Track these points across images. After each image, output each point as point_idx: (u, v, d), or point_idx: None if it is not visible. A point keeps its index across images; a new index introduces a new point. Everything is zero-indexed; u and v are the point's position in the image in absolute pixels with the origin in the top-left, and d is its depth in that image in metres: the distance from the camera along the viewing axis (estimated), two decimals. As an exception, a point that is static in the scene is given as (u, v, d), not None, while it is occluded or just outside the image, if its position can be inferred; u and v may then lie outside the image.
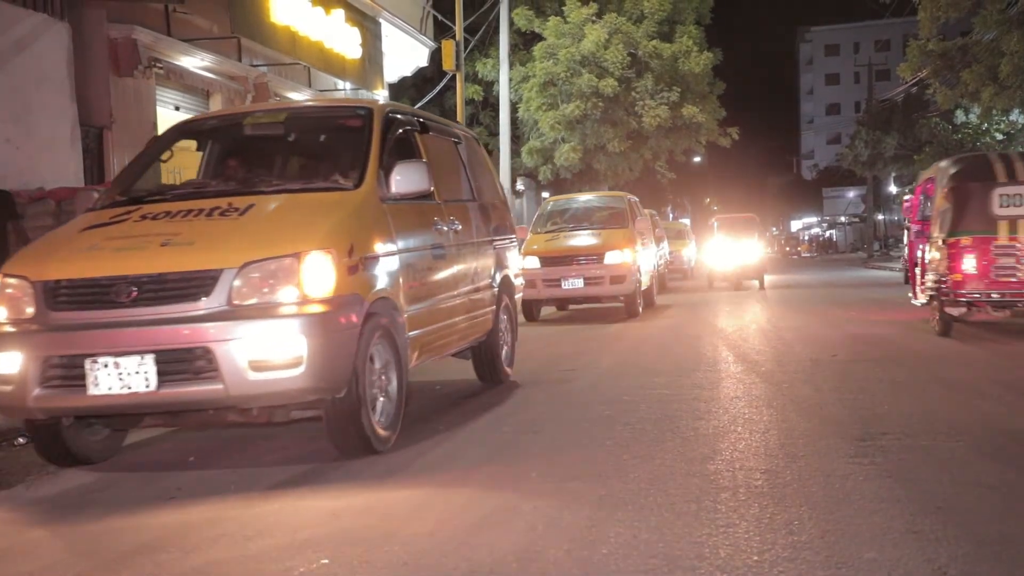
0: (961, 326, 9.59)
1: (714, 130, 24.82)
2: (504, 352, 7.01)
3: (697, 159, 37.73)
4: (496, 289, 6.72)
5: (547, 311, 14.43)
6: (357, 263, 4.47)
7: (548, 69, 22.26)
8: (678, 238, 24.55)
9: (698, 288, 20.15)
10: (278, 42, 14.44)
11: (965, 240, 8.75)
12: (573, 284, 12.51)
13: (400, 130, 5.51)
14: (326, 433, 4.57)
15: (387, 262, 4.84)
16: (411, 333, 5.05)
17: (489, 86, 24.27)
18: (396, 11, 19.38)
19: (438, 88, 22.29)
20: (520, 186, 26.16)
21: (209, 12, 12.76)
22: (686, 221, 39.30)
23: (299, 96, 16.61)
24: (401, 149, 5.40)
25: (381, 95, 21.31)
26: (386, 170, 5.06)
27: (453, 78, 19.86)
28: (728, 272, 19.50)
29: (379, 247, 4.77)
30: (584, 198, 15.75)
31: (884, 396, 5.92)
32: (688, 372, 7.25)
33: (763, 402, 5.84)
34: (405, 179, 5.04)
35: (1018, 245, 8.59)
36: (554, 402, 6.19)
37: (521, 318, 12.81)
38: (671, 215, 39.53)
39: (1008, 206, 8.65)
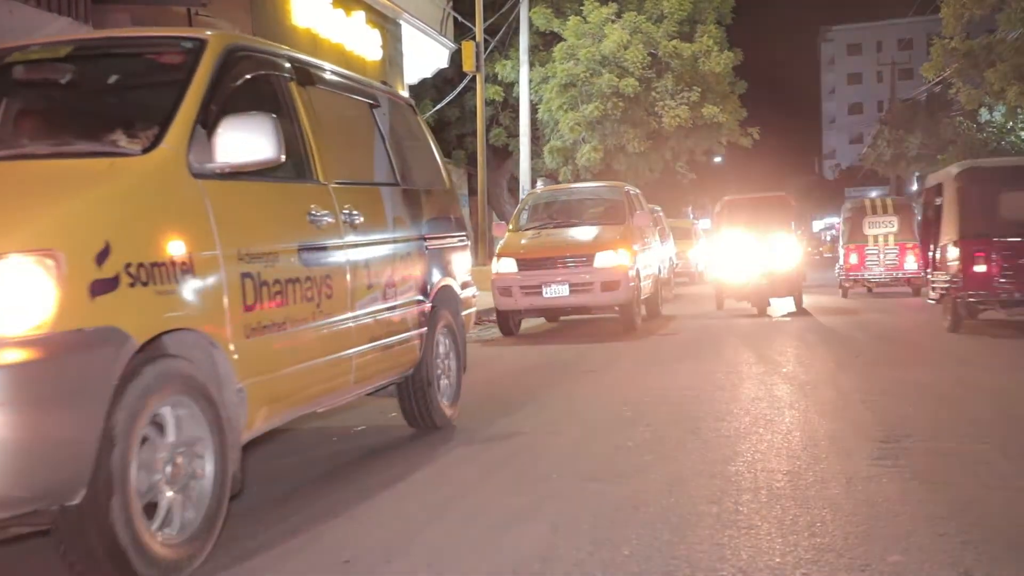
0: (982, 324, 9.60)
1: (735, 130, 24.69)
2: (443, 388, 5.32)
3: (718, 159, 37.51)
4: (430, 305, 5.04)
5: (533, 323, 12.44)
6: (117, 274, 2.76)
7: (568, 70, 22.24)
8: (684, 237, 22.15)
9: (705, 298, 15.51)
10: (299, 44, 14.51)
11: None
12: (556, 292, 10.33)
13: (251, 75, 3.79)
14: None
15: (196, 271, 3.06)
16: (248, 381, 3.29)
17: (509, 87, 24.27)
18: (416, 13, 19.43)
19: (458, 89, 22.33)
20: (540, 186, 26.17)
21: (231, 15, 12.85)
22: (706, 222, 39.10)
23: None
24: (257, 104, 3.59)
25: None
26: (211, 128, 3.33)
27: (473, 79, 19.89)
28: (747, 286, 12.80)
29: (176, 247, 3.01)
30: (574, 189, 13.57)
31: (907, 397, 5.88)
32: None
33: (784, 403, 5.81)
34: (235, 141, 3.28)
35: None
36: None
37: (494, 332, 11.40)
38: (691, 215, 39.37)
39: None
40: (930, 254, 10.84)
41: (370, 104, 4.94)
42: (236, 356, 3.25)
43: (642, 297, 11.42)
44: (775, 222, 13.18)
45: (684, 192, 31.19)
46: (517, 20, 21.07)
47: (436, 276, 5.18)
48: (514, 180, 24.73)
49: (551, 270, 10.42)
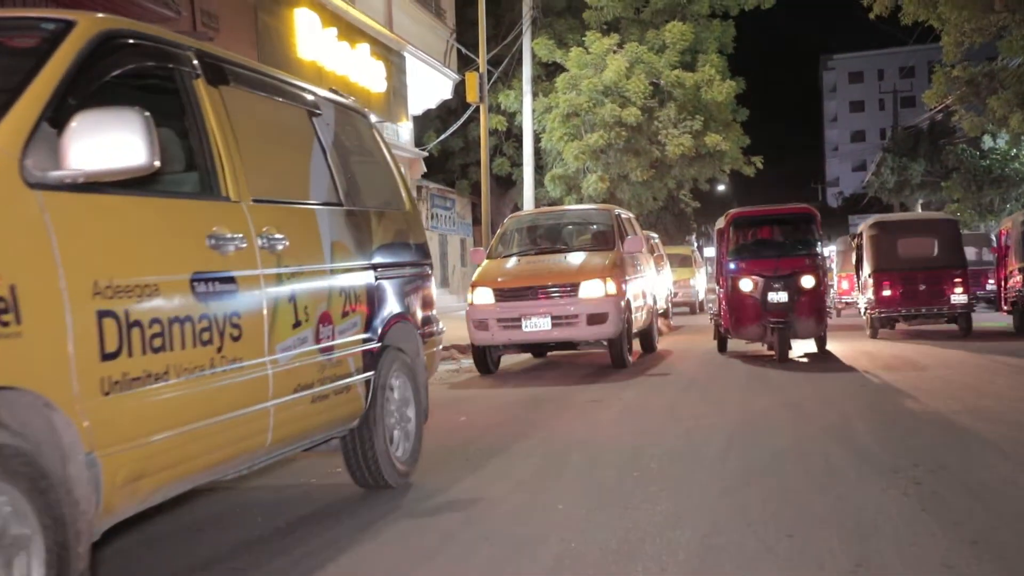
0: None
1: (738, 158, 24.78)
2: (397, 440, 4.60)
3: (721, 187, 37.65)
4: (378, 344, 4.32)
5: (516, 358, 11.40)
6: None
7: (571, 100, 22.39)
8: (683, 265, 21.16)
9: (708, 330, 13.39)
10: (304, 77, 14.61)
11: None
12: (537, 325, 9.33)
13: (137, 67, 3.09)
14: None
15: (23, 308, 2.33)
16: (104, 452, 2.55)
17: (512, 117, 24.42)
18: (421, 45, 19.61)
19: (462, 120, 22.48)
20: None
21: (237, 48, 12.96)
22: (710, 250, 39.10)
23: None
24: (146, 104, 2.73)
25: (406, 127, 21.54)
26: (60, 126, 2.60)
27: (477, 109, 20.02)
28: (759, 326, 10.19)
29: None
30: (558, 212, 12.70)
31: (916, 426, 5.83)
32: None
33: (790, 429, 5.76)
34: (92, 143, 2.55)
35: None
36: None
37: (466, 370, 10.43)
38: (695, 244, 39.41)
39: None
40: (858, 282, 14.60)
41: (309, 112, 4.26)
42: (86, 421, 2.47)
43: (635, 330, 10.54)
44: (797, 243, 10.84)
45: (688, 221, 31.26)
46: (520, 51, 21.24)
47: (388, 310, 4.48)
48: (517, 209, 24.80)
49: (531, 301, 9.44)
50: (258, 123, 3.80)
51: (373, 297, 4.35)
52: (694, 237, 40.72)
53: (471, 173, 26.71)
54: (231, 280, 3.22)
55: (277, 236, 3.53)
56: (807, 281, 10.10)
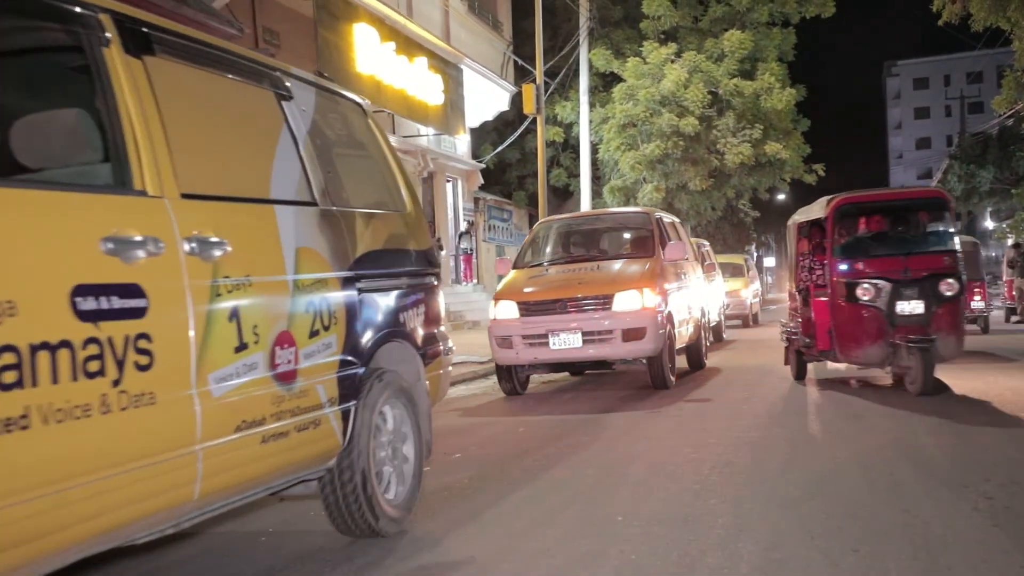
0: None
1: (799, 167, 24.42)
2: (389, 481, 3.94)
3: (781, 196, 37.13)
4: (361, 371, 3.68)
5: (549, 377, 10.27)
6: None
7: (628, 111, 22.32)
8: (735, 275, 19.66)
9: (764, 345, 12.87)
10: (363, 91, 14.85)
11: None
12: (566, 342, 8.39)
13: (21, 29, 2.62)
14: None
15: None
16: None
17: (569, 128, 24.44)
18: (478, 58, 19.77)
19: (519, 131, 22.57)
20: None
21: (298, 64, 13.17)
22: (770, 260, 38.51)
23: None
24: (47, 77, 2.61)
25: (463, 140, 21.70)
26: None
27: (533, 121, 20.08)
28: (878, 348, 7.85)
29: None
30: (592, 217, 11.61)
31: (987, 439, 5.65)
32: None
33: (854, 442, 5.63)
34: None
35: None
36: None
37: (490, 392, 9.44)
38: (755, 254, 38.91)
39: None
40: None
41: (277, 95, 3.60)
42: None
43: (678, 346, 9.40)
44: (929, 237, 8.41)
45: (747, 230, 30.90)
46: (577, 62, 21.27)
47: (377, 328, 3.84)
48: (575, 220, 24.77)
49: (560, 315, 8.47)
50: (201, 105, 3.16)
51: (355, 313, 3.68)
52: (753, 247, 40.21)
53: (528, 184, 26.77)
54: (137, 293, 2.55)
55: (213, 240, 2.87)
56: (950, 287, 7.68)
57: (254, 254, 3.12)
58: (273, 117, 3.55)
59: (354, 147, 4.28)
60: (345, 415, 3.55)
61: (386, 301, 3.99)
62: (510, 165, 27.07)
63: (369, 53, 14.31)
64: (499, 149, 23.82)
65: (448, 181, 22.12)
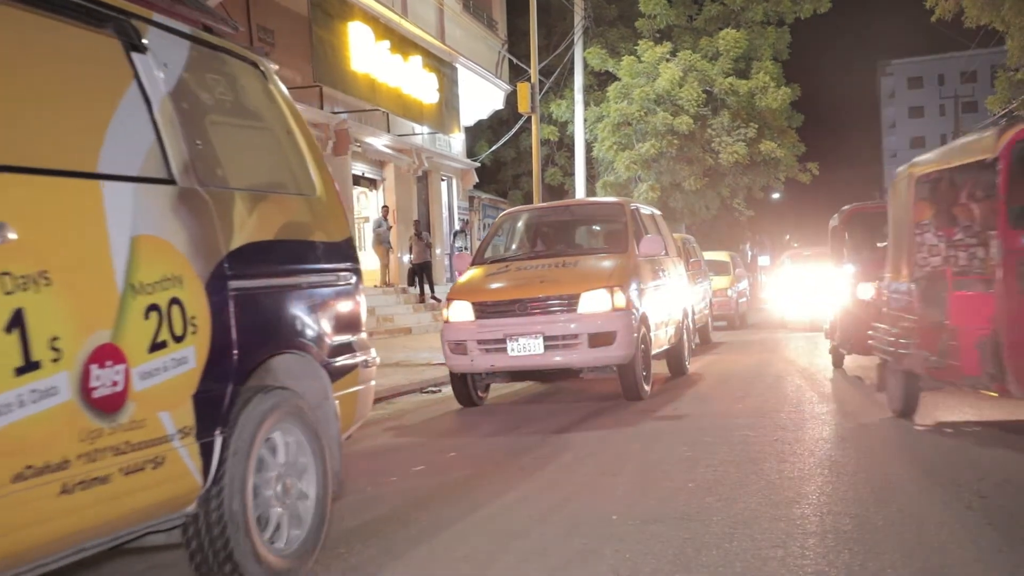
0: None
1: (793, 166, 24.45)
2: (277, 525, 3.22)
3: (776, 195, 37.18)
4: (232, 388, 2.98)
5: (511, 386, 9.09)
6: None
7: (622, 110, 22.32)
8: (720, 273, 18.24)
9: (755, 347, 12.19)
10: (358, 89, 14.86)
11: None
12: (525, 348, 7.39)
13: None
14: None
15: None
16: None
17: (564, 126, 24.45)
18: (472, 56, 19.76)
19: (514, 130, 22.58)
20: (596, 225, 26.17)
21: (292, 62, 13.22)
22: (765, 259, 38.52)
23: (377, 141, 17.04)
24: None
25: (458, 139, 21.69)
26: None
27: (528, 120, 20.08)
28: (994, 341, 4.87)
29: None
30: (560, 208, 10.38)
31: (978, 438, 5.66)
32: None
33: (850, 443, 5.64)
34: None
35: None
36: None
37: (445, 402, 8.41)
38: (750, 253, 38.93)
39: None
40: None
41: (125, 44, 2.87)
42: None
43: (655, 351, 8.35)
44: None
45: (742, 229, 30.92)
46: (572, 61, 21.28)
47: (261, 337, 3.16)
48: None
49: (519, 318, 7.46)
50: None
51: (226, 319, 2.95)
52: (748, 246, 40.26)
53: (523, 183, 26.79)
54: None
55: None
56: None
57: (56, 243, 2.40)
58: (115, 71, 2.82)
59: (244, 116, 3.49)
60: (207, 448, 2.83)
61: (276, 304, 3.28)
62: (505, 164, 27.09)
63: (364, 52, 14.31)
64: (494, 148, 23.84)
65: (443, 180, 22.12)
